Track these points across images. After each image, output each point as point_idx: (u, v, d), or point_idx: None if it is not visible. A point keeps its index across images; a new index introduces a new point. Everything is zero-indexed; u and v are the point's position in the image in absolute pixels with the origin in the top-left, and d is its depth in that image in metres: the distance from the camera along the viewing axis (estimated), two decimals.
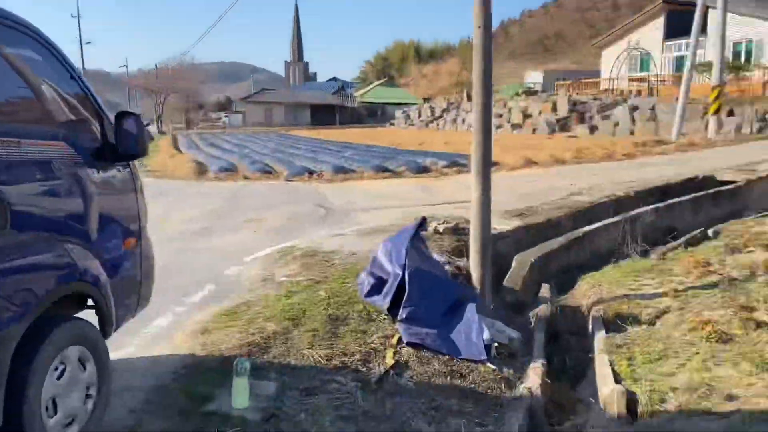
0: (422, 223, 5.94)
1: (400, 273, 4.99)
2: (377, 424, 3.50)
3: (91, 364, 2.99)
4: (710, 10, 21.41)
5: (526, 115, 31.22)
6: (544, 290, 6.71)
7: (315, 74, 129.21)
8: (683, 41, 29.15)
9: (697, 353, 4.32)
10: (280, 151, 25.01)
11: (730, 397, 3.60)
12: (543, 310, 5.94)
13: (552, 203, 10.01)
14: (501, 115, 33.02)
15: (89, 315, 3.14)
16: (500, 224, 8.33)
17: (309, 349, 4.35)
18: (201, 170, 17.86)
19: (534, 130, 29.23)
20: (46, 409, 2.65)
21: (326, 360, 4.20)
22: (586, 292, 6.60)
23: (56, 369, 2.72)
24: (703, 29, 21.74)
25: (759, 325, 4.69)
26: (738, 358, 4.14)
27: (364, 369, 4.13)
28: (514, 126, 31.22)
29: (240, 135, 44.45)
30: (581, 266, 7.90)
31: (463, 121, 36.59)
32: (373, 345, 4.51)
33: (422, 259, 5.40)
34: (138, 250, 3.63)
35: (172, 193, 13.25)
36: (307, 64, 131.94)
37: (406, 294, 4.85)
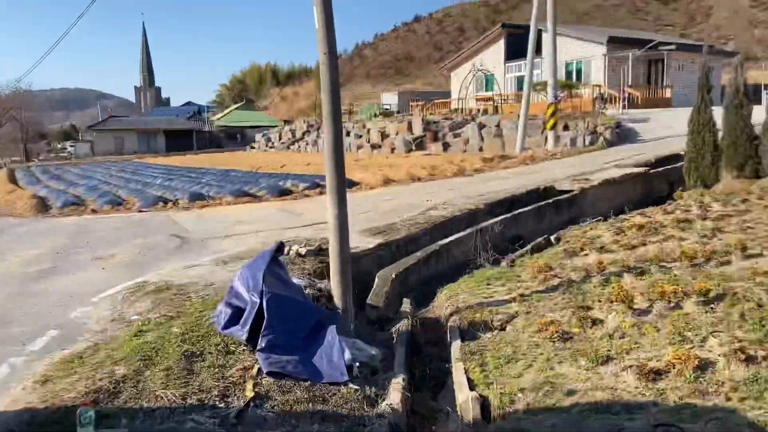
0: (279, 247, 5.89)
1: (258, 301, 4.91)
2: None
3: None
4: (544, 33, 23.35)
5: (385, 135, 32.11)
6: (406, 305, 6.89)
7: (168, 99, 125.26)
8: (522, 62, 31.48)
9: (542, 353, 4.64)
10: (132, 181, 23.78)
11: (570, 392, 3.90)
12: (404, 324, 6.09)
13: (411, 219, 10.35)
14: (361, 136, 33.78)
15: None
16: (362, 243, 8.51)
17: (163, 389, 4.15)
18: (43, 206, 16.55)
19: (392, 150, 30.14)
20: None
21: (182, 399, 4.04)
22: (444, 303, 6.87)
23: None
24: (539, 51, 23.64)
25: (594, 322, 5.14)
26: (577, 354, 4.49)
27: (222, 404, 4.01)
28: (374, 146, 32.01)
29: (88, 165, 41.98)
30: (440, 278, 8.22)
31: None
32: (232, 378, 4.38)
33: (281, 285, 5.34)
34: None
35: (9, 233, 12.20)
36: (159, 88, 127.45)
37: (264, 322, 4.77)
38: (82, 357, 4.84)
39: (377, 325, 6.59)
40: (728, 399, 3.46)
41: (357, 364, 4.65)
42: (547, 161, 18.72)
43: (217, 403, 4.02)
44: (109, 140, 64.45)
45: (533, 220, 11.20)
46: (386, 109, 44.76)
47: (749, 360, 3.79)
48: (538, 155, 20.03)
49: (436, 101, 39.88)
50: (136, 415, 3.82)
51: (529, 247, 9.32)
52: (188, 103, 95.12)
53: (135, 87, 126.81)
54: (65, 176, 30.19)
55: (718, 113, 12.40)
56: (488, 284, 7.13)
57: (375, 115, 39.59)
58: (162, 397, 4.05)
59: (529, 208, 11.41)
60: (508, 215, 10.82)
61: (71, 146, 67.64)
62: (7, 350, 5.06)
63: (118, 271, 7.95)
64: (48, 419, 3.78)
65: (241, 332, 4.91)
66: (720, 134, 12.32)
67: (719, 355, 3.96)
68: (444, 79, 48.77)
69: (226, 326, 5.10)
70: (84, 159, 55.86)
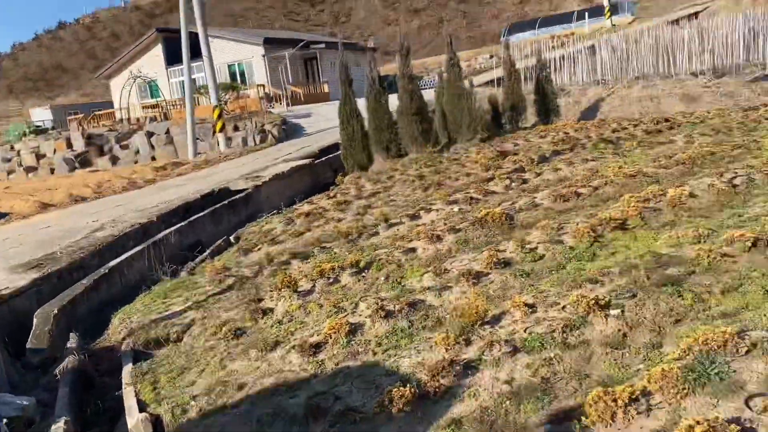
0: None
1: None
2: None
3: None
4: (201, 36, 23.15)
5: (40, 156, 28.51)
6: (72, 340, 6.27)
7: None
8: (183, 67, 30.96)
9: (215, 356, 4.67)
10: None
11: (241, 386, 4.00)
12: (70, 361, 5.53)
13: (74, 245, 9.40)
14: (10, 160, 29.49)
15: None
16: (14, 281, 7.51)
17: None
18: None
19: (52, 170, 27.02)
20: None
21: None
22: (117, 328, 6.43)
23: None
24: (200, 54, 23.40)
25: (265, 312, 5.34)
26: (248, 348, 4.62)
27: None
28: (29, 169, 28.26)
29: None
30: (115, 302, 7.66)
31: None
32: None
33: None
34: None
35: None
36: None
37: None
38: None
39: (42, 369, 5.88)
40: (374, 354, 3.93)
41: (5, 421, 4.08)
42: (221, 163, 18.76)
43: None
44: None
45: (210, 223, 11.14)
46: (38, 126, 39.71)
47: (388, 315, 4.36)
48: (212, 158, 19.95)
49: (97, 113, 36.77)
50: None
51: (208, 251, 9.26)
52: None
53: None
54: None
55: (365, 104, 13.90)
56: (165, 298, 6.89)
57: (25, 134, 34.85)
58: None
59: (205, 212, 11.31)
60: (184, 223, 10.58)
61: None
62: None
63: None
64: None
65: None
66: (366, 122, 13.84)
67: (366, 317, 4.47)
68: (104, 89, 45.40)
69: None
70: None
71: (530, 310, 4.00)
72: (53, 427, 4.06)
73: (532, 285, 4.56)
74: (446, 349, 3.52)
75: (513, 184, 8.26)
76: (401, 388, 3.07)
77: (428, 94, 14.49)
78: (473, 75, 25.78)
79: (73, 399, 4.77)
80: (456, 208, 7.17)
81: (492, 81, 25.12)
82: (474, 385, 3.28)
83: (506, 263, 5.02)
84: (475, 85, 16.22)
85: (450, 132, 13.85)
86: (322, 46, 35.09)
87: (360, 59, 35.22)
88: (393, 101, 13.92)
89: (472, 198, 7.60)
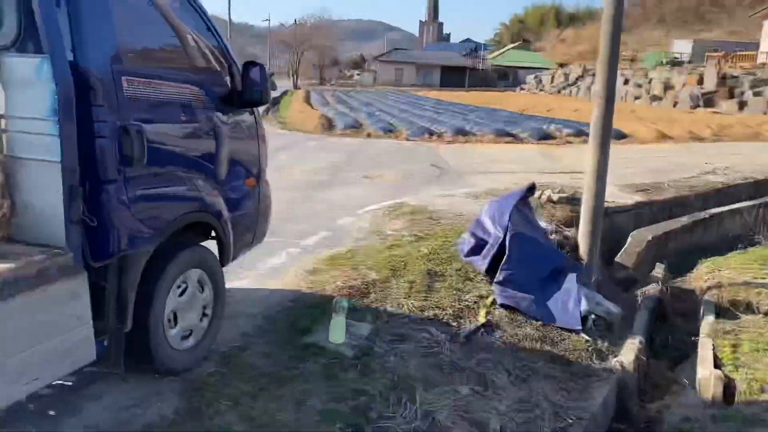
0: (531, 188, 5.57)
1: (501, 236, 4.88)
2: (460, 374, 3.55)
3: (209, 287, 3.28)
4: None
5: (668, 87, 28.57)
6: (658, 270, 6.15)
7: (449, 35, 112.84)
8: None
9: None
10: (405, 111, 24.23)
11: None
12: (652, 288, 5.49)
13: (681, 181, 9.28)
14: (640, 86, 30.58)
15: (211, 245, 3.34)
16: (621, 198, 7.84)
17: (405, 298, 4.43)
18: (328, 125, 18.39)
19: (675, 104, 26.81)
20: (169, 320, 3.00)
21: (420, 311, 4.27)
22: (703, 275, 6.05)
23: (179, 287, 3.05)
24: None
25: None
26: None
27: (455, 324, 4.18)
28: (654, 98, 28.68)
29: (369, 93, 43.42)
30: (704, 249, 7.11)
31: None
32: (467, 303, 4.50)
33: (526, 224, 5.13)
34: (257, 191, 3.77)
35: (299, 145, 13.89)
36: (441, 24, 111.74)
37: (505, 257, 4.75)
38: (343, 258, 5.19)
39: (622, 285, 6.01)
40: None
41: (593, 316, 4.50)
42: None
43: (450, 321, 4.19)
44: (390, 71, 66.60)
45: None
46: (675, 58, 38.35)
47: None
48: None
49: (738, 53, 32.96)
50: (379, 315, 4.13)
51: None
52: (467, 40, 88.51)
53: (420, 21, 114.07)
54: (350, 101, 31.68)
55: None
56: (763, 264, 6.05)
57: (661, 64, 35.24)
58: (403, 305, 4.31)
59: None
60: None
61: (357, 75, 75.14)
62: (286, 242, 5.63)
63: (382, 190, 8.42)
64: (310, 303, 4.19)
65: (481, 263, 4.96)
66: None
67: None
68: (756, 28, 36.53)
69: (468, 254, 5.16)
70: (367, 87, 59.22)
71: None
72: (629, 341, 4.41)
73: None
74: None
75: None
76: None
77: None
78: None
79: (649, 323, 4.93)
80: None
81: None
82: None
83: None
84: None
85: None
86: None
87: None
88: None
89: None
